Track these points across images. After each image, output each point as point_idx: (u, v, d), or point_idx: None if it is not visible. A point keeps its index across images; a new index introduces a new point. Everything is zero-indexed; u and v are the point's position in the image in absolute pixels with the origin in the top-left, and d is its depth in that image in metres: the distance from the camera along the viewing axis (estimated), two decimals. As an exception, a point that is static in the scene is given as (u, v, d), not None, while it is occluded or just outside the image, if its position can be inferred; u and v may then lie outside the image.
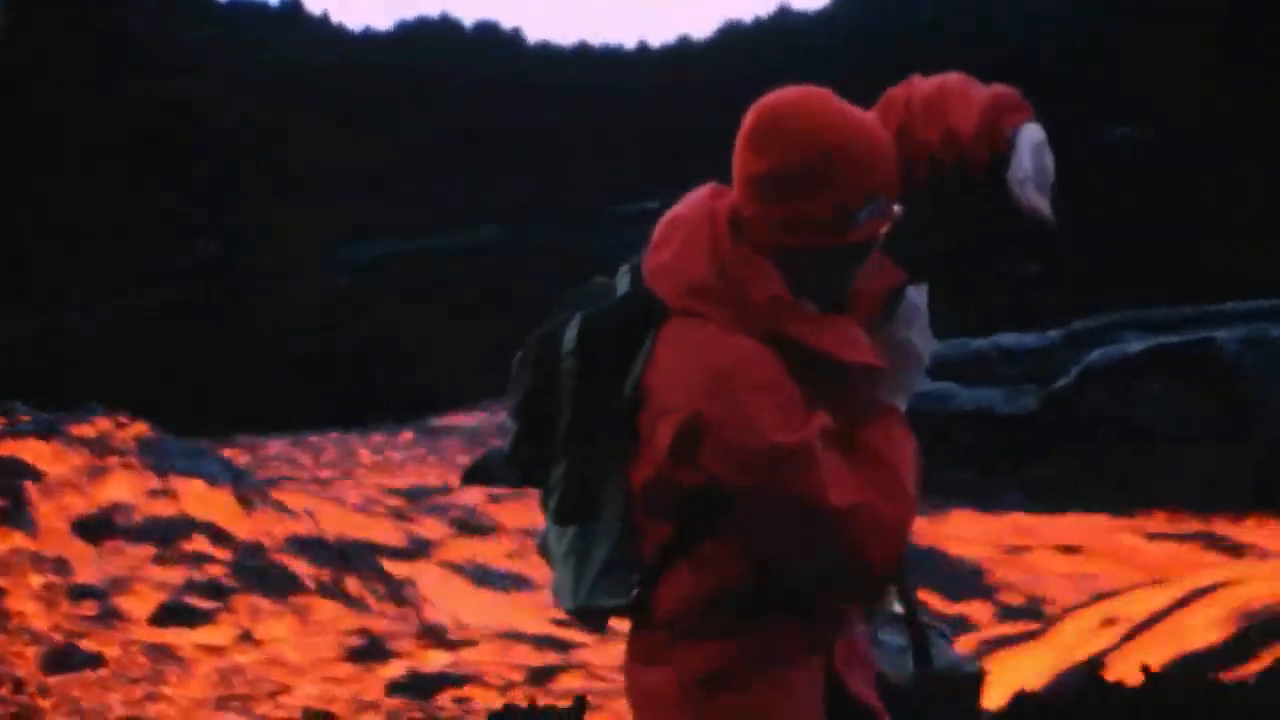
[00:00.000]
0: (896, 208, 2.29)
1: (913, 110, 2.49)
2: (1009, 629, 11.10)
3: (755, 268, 2.25)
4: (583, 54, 54.94)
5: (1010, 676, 8.41)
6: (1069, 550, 17.92)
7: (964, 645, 9.74)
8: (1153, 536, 18.42)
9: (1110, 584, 14.66)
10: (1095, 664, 5.72)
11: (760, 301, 2.23)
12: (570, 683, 10.51)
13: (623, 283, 2.38)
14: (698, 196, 2.36)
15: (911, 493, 2.24)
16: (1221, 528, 18.50)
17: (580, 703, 6.85)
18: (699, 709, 2.31)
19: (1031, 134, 2.37)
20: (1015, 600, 15.98)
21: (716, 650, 2.29)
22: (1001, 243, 36.81)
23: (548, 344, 2.34)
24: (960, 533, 18.76)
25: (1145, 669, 5.40)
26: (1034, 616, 12.90)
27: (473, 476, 20.20)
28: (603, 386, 2.28)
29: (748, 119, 2.26)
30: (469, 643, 12.15)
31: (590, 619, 2.39)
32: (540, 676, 10.88)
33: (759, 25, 53.53)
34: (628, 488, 2.27)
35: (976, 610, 15.30)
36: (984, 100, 2.43)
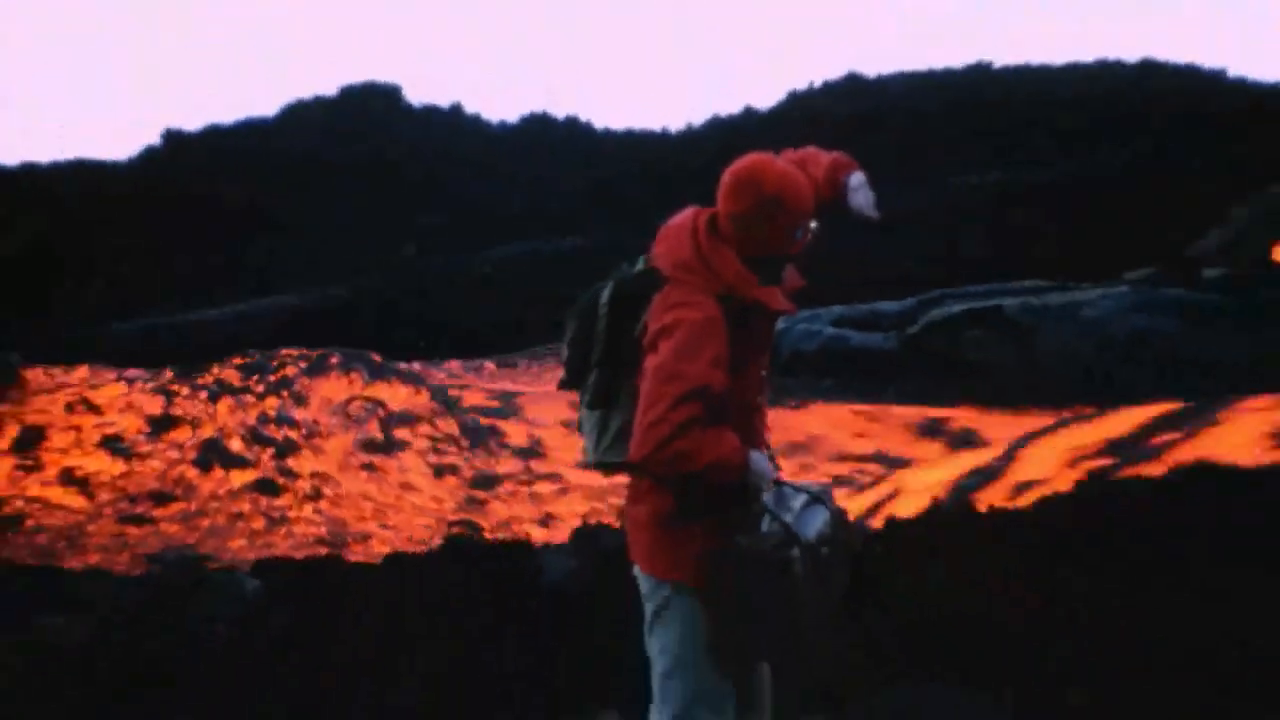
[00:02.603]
0: (814, 225, 3.32)
1: (805, 165, 3.57)
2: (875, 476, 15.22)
3: (722, 255, 3.25)
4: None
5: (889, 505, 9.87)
6: (922, 428, 23.25)
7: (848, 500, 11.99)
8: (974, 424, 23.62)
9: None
10: (957, 497, 7.25)
11: (724, 274, 3.21)
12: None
13: (639, 266, 3.38)
14: (685, 213, 3.40)
15: (700, 453, 3.09)
16: (1005, 418, 23.48)
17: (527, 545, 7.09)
18: (660, 532, 3.27)
19: (857, 177, 3.51)
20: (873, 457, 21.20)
21: (674, 496, 3.26)
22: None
23: (590, 300, 3.36)
24: (836, 417, 24.69)
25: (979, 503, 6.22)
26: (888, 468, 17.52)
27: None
28: (623, 326, 3.29)
29: (724, 177, 3.28)
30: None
31: (603, 468, 3.34)
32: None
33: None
34: (635, 386, 3.25)
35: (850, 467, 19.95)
36: (827, 161, 3.55)
